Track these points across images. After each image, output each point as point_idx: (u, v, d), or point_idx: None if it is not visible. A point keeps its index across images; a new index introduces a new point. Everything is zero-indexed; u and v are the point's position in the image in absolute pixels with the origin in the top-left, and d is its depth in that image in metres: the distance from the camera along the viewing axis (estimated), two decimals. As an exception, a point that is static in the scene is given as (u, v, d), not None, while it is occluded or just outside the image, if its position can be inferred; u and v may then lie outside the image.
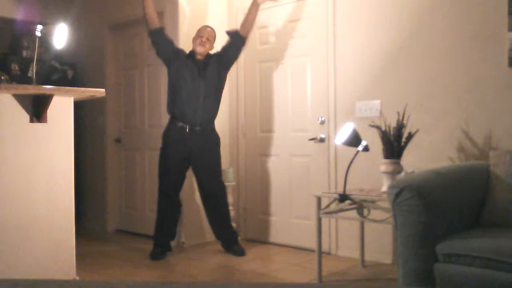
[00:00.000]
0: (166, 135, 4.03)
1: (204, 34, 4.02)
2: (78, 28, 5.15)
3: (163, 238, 4.03)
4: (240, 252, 4.02)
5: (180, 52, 4.08)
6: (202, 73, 3.97)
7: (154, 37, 4.01)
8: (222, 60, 4.09)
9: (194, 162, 4.02)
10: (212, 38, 4.07)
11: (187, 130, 3.94)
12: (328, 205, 3.31)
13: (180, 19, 4.42)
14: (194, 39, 4.05)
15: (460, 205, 2.57)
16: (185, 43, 4.33)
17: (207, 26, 4.12)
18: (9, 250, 2.68)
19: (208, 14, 4.60)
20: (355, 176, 3.54)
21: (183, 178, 4.05)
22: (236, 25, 4.63)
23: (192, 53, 4.03)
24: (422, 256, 2.36)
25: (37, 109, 2.77)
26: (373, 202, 3.08)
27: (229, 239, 4.11)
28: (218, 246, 4.19)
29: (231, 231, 4.15)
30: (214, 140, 4.08)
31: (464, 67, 3.40)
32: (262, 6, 4.19)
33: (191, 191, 4.34)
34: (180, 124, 3.94)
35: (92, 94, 3.03)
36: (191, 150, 3.96)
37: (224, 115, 4.60)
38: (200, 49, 3.99)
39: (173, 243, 4.14)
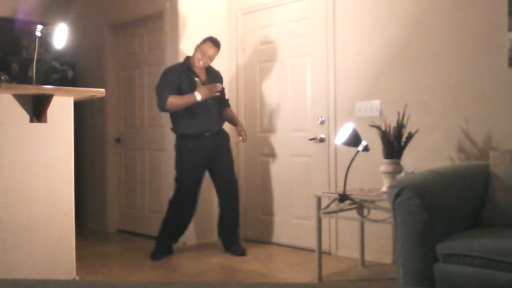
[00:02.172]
0: (183, 145, 3.98)
1: (212, 54, 3.93)
2: (78, 28, 5.14)
3: (167, 241, 4.04)
4: (241, 252, 4.02)
5: (177, 72, 3.95)
6: (207, 84, 3.97)
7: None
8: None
9: (213, 165, 4.04)
10: (214, 57, 4.00)
11: (205, 135, 3.94)
12: (328, 205, 3.31)
13: (180, 20, 4.42)
14: (199, 53, 3.91)
15: (460, 205, 2.56)
16: (184, 44, 4.33)
17: (215, 44, 3.95)
18: (9, 250, 2.68)
19: (208, 14, 4.60)
20: (355, 176, 3.54)
21: (201, 183, 4.07)
22: (236, 25, 4.64)
23: (189, 64, 3.97)
24: (422, 256, 2.36)
25: (37, 109, 2.77)
26: (373, 202, 3.08)
27: (231, 238, 4.11)
28: (219, 246, 4.19)
29: (236, 230, 4.15)
30: (227, 139, 4.13)
31: (464, 67, 3.40)
32: (262, 6, 4.15)
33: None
34: (197, 131, 3.93)
35: (92, 94, 3.03)
36: (209, 153, 3.98)
37: (224, 115, 4.59)
38: (200, 66, 3.96)
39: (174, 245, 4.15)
